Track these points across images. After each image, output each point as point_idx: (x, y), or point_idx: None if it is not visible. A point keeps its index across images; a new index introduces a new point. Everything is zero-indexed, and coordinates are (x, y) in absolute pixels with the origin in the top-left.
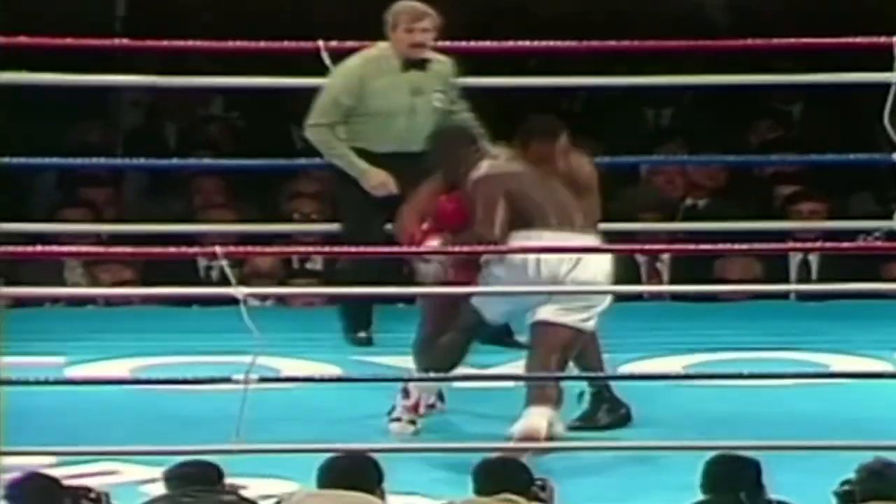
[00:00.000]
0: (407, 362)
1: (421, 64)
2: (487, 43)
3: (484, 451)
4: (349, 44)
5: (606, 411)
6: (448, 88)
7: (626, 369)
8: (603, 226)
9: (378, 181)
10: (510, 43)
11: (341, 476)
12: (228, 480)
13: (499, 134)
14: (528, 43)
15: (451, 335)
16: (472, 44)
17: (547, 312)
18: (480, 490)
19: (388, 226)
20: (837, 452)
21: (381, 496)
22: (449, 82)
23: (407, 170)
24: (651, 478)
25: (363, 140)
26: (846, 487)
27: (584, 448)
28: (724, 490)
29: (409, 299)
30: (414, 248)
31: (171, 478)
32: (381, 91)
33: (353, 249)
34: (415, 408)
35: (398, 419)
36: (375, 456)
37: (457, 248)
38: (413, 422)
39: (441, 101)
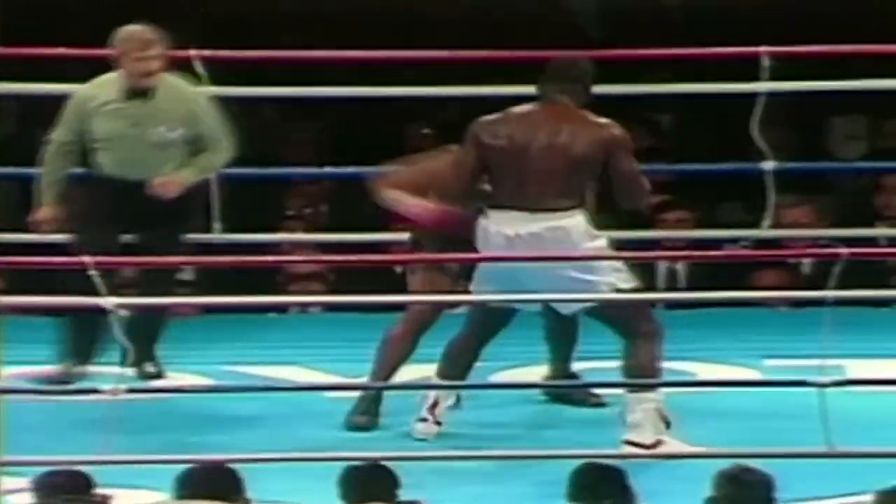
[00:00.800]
0: (277, 372)
1: (146, 94)
2: (362, 52)
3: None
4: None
5: None
6: (183, 121)
7: (495, 378)
8: None
9: (39, 217)
10: (387, 52)
11: (200, 486)
12: (98, 491)
13: (373, 144)
14: (403, 53)
15: (463, 336)
16: (348, 53)
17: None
18: (346, 498)
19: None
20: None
21: None
22: (187, 114)
23: (135, 199)
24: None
25: (99, 165)
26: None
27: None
28: (589, 498)
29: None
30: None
31: (40, 487)
32: (104, 118)
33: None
34: (433, 407)
35: (424, 419)
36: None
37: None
38: (438, 423)
39: (160, 135)
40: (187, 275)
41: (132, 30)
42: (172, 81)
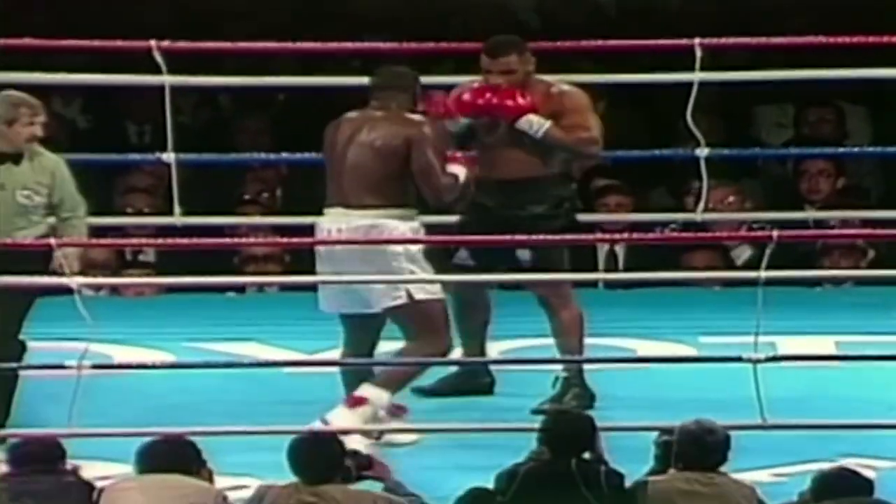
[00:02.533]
0: (237, 348)
1: (16, 158)
2: (310, 44)
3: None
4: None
5: (575, 396)
6: (47, 186)
7: None
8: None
9: None
10: (333, 44)
11: (159, 460)
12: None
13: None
14: (348, 45)
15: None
16: (296, 44)
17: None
18: (296, 469)
19: None
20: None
21: (209, 477)
22: (51, 180)
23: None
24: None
25: None
26: (666, 439)
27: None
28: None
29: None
30: None
31: (14, 457)
32: None
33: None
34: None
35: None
36: (194, 438)
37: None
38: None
39: (27, 197)
40: (149, 256)
41: (22, 96)
42: (37, 148)
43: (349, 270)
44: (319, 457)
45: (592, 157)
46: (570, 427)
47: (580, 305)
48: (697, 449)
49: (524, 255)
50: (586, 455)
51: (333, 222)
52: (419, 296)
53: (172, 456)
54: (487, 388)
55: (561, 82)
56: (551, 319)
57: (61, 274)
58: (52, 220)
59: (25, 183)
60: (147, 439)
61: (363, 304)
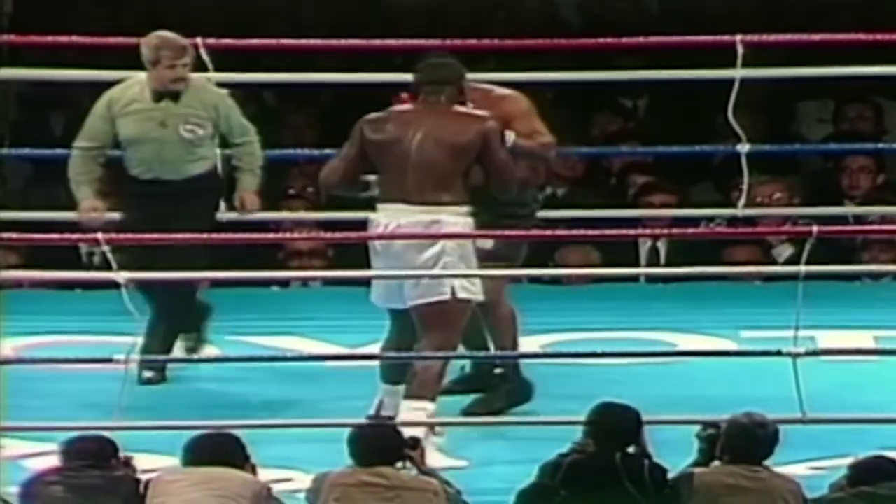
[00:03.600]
0: (280, 342)
1: (174, 96)
2: (353, 41)
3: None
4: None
5: (508, 392)
6: (210, 119)
7: None
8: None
9: (84, 213)
10: (377, 42)
11: (205, 453)
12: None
13: None
14: (391, 41)
15: None
16: (340, 42)
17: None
18: (356, 456)
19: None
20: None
21: (253, 470)
22: (214, 113)
23: (164, 197)
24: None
25: (130, 166)
26: (710, 432)
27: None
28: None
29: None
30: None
31: (68, 451)
32: (131, 119)
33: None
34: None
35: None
36: (238, 432)
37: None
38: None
39: (190, 131)
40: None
41: (166, 36)
42: (197, 80)
43: (406, 265)
44: (380, 444)
45: (551, 160)
46: (616, 420)
47: (513, 303)
48: (747, 442)
49: (485, 245)
50: (631, 449)
51: (392, 217)
52: (462, 294)
53: (218, 449)
54: (529, 396)
55: (497, 87)
56: (485, 316)
57: (109, 268)
58: (226, 151)
59: (187, 118)
60: (194, 433)
61: (409, 297)
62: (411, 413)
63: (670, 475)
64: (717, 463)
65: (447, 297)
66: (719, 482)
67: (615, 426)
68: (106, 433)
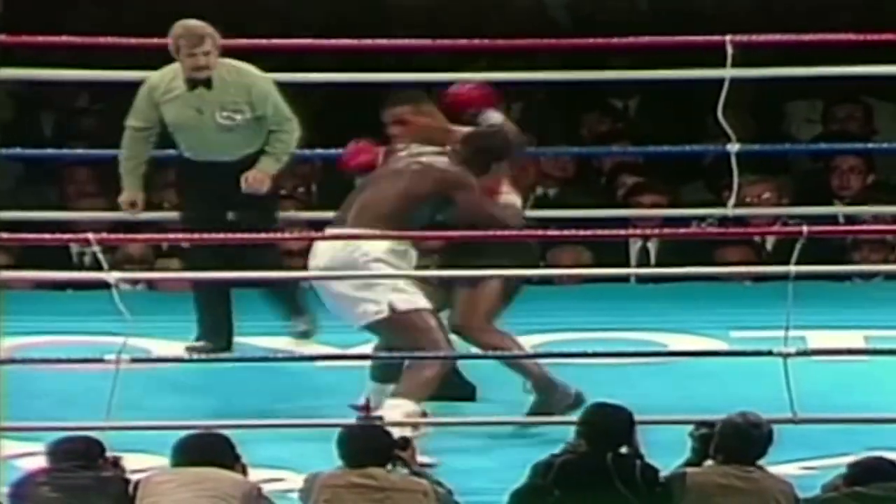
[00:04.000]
0: (270, 342)
1: (207, 83)
2: (343, 41)
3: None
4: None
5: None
6: (246, 104)
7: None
8: None
9: (124, 200)
10: (367, 41)
11: (195, 453)
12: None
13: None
14: (383, 41)
15: None
16: (329, 41)
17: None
18: (345, 457)
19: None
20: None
21: (243, 471)
22: (250, 98)
23: (221, 177)
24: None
25: (182, 149)
26: (704, 431)
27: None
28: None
29: None
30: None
31: (55, 452)
32: (171, 106)
33: (218, 235)
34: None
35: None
36: (228, 432)
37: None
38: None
39: (224, 120)
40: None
41: (186, 25)
42: (234, 66)
43: (334, 292)
44: (369, 444)
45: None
46: (608, 420)
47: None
48: (741, 442)
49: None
50: (623, 449)
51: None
52: (402, 306)
53: (208, 449)
54: (470, 395)
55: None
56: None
57: (99, 268)
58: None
59: (223, 105)
60: (183, 433)
61: (354, 320)
62: (389, 410)
63: (662, 475)
64: (709, 462)
65: (385, 314)
66: (712, 482)
67: (607, 426)
68: (96, 433)
